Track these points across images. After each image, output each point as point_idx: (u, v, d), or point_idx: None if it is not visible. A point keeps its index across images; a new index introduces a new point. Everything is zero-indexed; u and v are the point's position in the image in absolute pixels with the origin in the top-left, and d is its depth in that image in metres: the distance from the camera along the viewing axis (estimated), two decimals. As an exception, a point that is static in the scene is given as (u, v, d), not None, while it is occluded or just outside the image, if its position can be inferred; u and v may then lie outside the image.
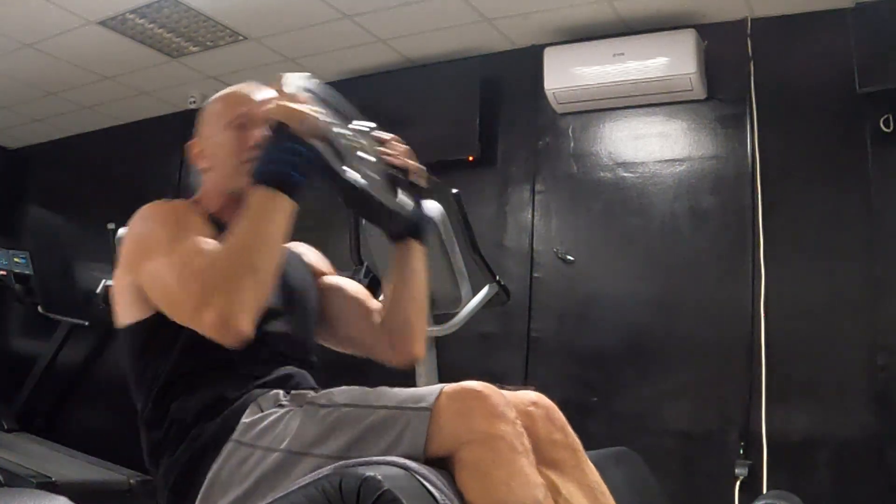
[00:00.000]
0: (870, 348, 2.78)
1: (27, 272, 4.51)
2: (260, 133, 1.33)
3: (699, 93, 3.18)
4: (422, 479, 1.08)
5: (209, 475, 1.23)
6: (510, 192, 3.62)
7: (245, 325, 1.17)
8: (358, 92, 3.92)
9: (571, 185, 3.48)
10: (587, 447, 1.34)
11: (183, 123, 5.03)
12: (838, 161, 2.97)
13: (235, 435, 1.24)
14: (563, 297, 3.39)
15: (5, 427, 4.24)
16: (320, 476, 1.09)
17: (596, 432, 3.12)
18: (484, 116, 3.59)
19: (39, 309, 4.47)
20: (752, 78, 3.14)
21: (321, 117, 1.30)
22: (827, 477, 2.76)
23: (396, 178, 1.43)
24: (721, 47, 3.19)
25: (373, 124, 1.44)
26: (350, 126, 1.39)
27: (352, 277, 2.63)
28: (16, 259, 4.50)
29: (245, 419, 1.26)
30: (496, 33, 3.55)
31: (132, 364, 1.37)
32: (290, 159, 1.24)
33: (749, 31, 3.16)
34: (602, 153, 3.43)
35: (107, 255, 3.46)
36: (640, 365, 3.17)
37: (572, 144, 3.50)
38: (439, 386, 1.18)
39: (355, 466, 1.08)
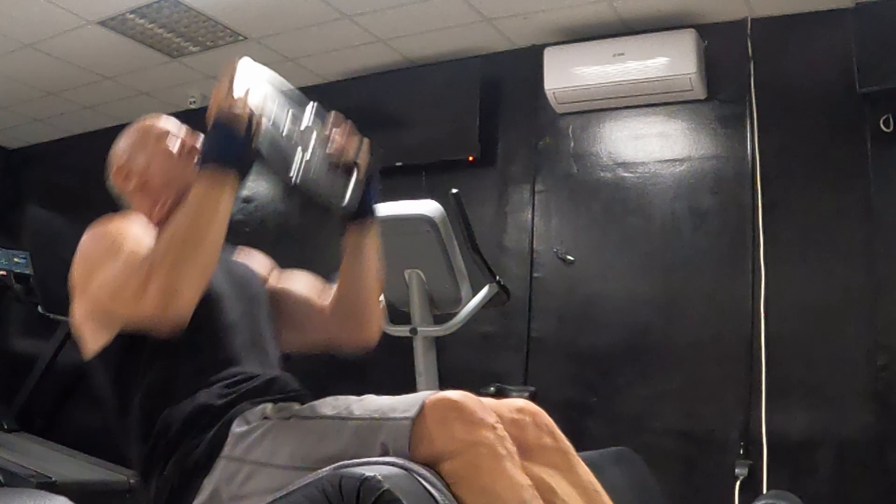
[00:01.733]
0: (870, 348, 2.78)
1: (27, 272, 4.50)
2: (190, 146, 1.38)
3: (699, 93, 3.18)
4: (422, 480, 1.08)
5: (201, 492, 1.23)
6: (510, 192, 3.62)
7: (185, 301, 1.20)
8: (358, 92, 3.95)
9: (571, 185, 3.48)
10: (587, 447, 1.34)
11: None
12: (838, 161, 2.97)
13: (225, 451, 1.24)
14: (563, 297, 3.39)
15: (5, 427, 4.24)
16: (320, 476, 1.09)
17: (596, 432, 3.12)
18: (484, 116, 3.59)
19: (39, 309, 4.46)
20: (752, 78, 3.14)
21: (266, 102, 1.32)
22: (827, 477, 2.76)
23: (343, 163, 1.43)
24: (721, 47, 3.19)
25: (315, 103, 1.44)
26: (297, 109, 1.41)
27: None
28: (16, 259, 4.50)
29: (233, 433, 1.26)
30: (496, 33, 3.55)
31: (109, 390, 1.37)
32: (233, 140, 1.26)
33: (749, 31, 3.16)
34: (602, 153, 3.43)
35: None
36: (639, 365, 3.17)
37: (572, 144, 3.50)
38: (422, 395, 1.18)
39: (355, 466, 1.08)
